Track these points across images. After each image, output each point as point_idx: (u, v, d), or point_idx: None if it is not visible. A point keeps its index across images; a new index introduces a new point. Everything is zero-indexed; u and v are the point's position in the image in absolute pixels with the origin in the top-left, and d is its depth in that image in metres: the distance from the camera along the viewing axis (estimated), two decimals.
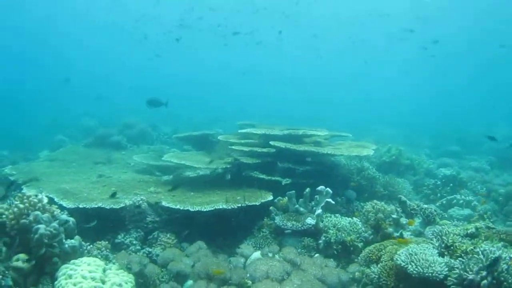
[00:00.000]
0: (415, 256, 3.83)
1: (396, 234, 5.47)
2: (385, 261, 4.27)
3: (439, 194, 9.45)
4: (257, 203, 6.02)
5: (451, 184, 9.70)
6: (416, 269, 3.70)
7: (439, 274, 3.60)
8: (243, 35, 22.85)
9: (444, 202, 8.74)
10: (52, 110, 23.60)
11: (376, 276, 4.19)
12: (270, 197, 6.24)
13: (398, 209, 6.16)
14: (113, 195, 5.67)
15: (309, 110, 30.91)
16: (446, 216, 7.32)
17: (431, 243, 4.35)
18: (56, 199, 5.93)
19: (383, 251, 4.57)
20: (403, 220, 5.79)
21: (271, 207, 6.17)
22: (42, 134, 16.78)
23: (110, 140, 10.86)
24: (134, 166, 9.36)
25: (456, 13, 28.99)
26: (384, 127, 21.93)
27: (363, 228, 5.70)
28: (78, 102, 28.18)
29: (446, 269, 3.65)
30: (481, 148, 16.63)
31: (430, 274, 3.62)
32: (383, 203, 6.09)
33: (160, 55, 28.80)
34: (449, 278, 3.55)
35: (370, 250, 4.80)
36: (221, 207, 5.78)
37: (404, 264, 3.82)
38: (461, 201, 8.49)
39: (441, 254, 4.03)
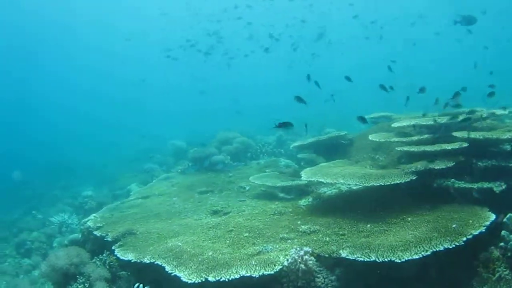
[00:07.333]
0: None
1: None
2: None
3: None
4: (483, 229, 3.77)
5: None
6: None
7: None
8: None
9: None
10: (133, 137, 22.51)
11: None
12: (492, 216, 4.05)
13: None
14: None
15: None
16: None
17: None
18: (167, 268, 4.04)
19: None
20: None
21: (502, 232, 3.79)
22: (126, 164, 15.47)
23: (211, 161, 8.95)
24: (250, 190, 7.36)
25: None
26: None
27: None
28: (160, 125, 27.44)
29: None
30: None
31: None
32: None
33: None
34: None
35: None
36: (442, 247, 3.45)
37: None
38: None
39: None
